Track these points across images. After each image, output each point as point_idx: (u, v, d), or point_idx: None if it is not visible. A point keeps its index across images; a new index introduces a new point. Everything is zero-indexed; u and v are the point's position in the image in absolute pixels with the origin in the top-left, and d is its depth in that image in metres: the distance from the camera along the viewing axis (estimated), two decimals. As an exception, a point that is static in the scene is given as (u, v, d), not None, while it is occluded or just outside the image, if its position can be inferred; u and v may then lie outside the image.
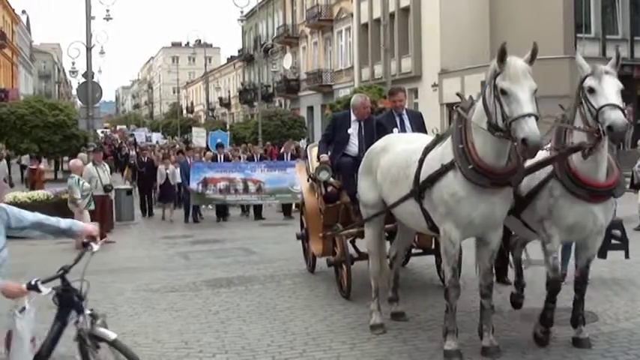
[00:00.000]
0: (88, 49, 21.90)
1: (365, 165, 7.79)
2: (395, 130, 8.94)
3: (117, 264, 13.14)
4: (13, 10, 63.69)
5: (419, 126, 9.33)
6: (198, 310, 8.82)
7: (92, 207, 14.79)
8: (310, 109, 53.04)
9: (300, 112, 51.28)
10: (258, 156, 21.72)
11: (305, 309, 8.67)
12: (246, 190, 19.02)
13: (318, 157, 9.45)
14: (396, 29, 38.04)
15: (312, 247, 10.47)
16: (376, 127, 9.14)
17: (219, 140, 25.51)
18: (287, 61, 51.96)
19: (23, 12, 73.16)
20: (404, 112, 9.44)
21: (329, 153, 9.52)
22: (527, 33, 30.96)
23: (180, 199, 20.63)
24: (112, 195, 17.20)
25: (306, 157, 11.21)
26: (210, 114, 75.33)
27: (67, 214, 15.19)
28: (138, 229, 18.26)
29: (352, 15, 44.87)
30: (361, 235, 8.68)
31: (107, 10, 35.29)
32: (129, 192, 19.79)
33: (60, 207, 15.77)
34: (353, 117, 9.44)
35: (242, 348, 7.10)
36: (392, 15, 38.19)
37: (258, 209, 20.04)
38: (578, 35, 31.01)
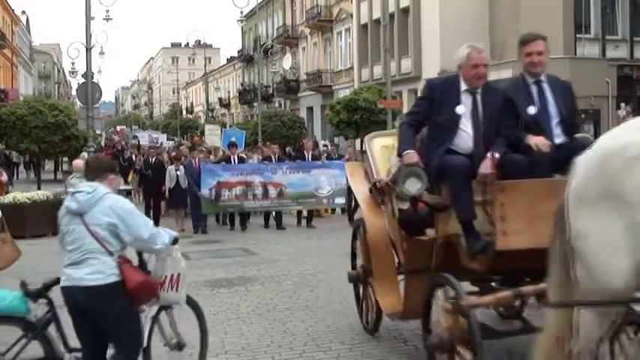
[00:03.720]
0: (88, 49, 21.93)
1: (599, 188, 3.80)
2: (530, 108, 5.55)
3: (117, 264, 13.14)
4: (13, 10, 63.66)
5: (567, 104, 5.70)
6: (198, 311, 8.82)
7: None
8: (310, 109, 53.04)
9: (300, 113, 51.28)
10: (276, 156, 18.71)
11: (305, 309, 8.67)
12: (265, 195, 16.82)
13: (400, 154, 5.73)
14: (396, 30, 38.04)
15: (379, 299, 6.83)
16: (503, 108, 5.65)
17: (232, 139, 22.83)
18: (287, 62, 51.97)
19: (23, 12, 73.15)
20: (544, 77, 5.69)
21: (415, 145, 5.88)
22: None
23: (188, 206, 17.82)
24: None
25: (364, 152, 7.75)
26: (210, 114, 75.31)
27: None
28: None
29: (352, 15, 44.86)
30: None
31: (107, 11, 35.52)
32: (128, 192, 19.67)
33: (60, 208, 15.77)
34: (463, 85, 5.67)
35: (242, 348, 7.10)
36: (391, 15, 38.18)
37: (277, 217, 17.55)
38: (578, 36, 31.03)
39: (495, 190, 5.11)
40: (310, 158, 18.68)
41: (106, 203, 4.81)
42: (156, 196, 18.29)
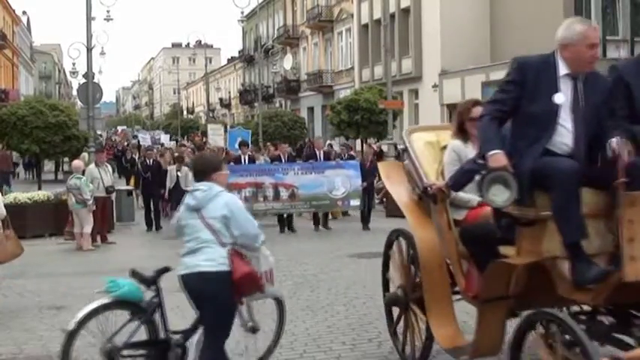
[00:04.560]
0: (89, 49, 21.90)
1: None
2: None
3: (118, 265, 13.10)
4: (14, 10, 63.68)
5: None
6: (199, 311, 8.79)
7: (93, 208, 14.72)
8: (311, 109, 53.05)
9: (301, 113, 51.29)
10: (286, 156, 17.84)
11: (306, 310, 8.66)
12: (277, 196, 15.95)
13: (483, 156, 4.49)
14: (397, 30, 38.05)
15: (434, 330, 5.68)
16: (611, 92, 4.50)
17: (239, 139, 22.31)
18: (287, 62, 51.98)
19: (24, 13, 73.23)
20: None
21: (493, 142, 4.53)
22: (528, 34, 31.13)
23: None
24: (113, 196, 17.02)
25: (405, 150, 6.34)
26: (211, 115, 75.39)
27: (68, 215, 15.22)
28: (138, 230, 18.16)
29: (352, 16, 44.88)
30: None
31: (107, 11, 35.66)
32: (129, 193, 19.61)
33: (61, 208, 15.78)
34: (563, 68, 4.48)
35: (244, 348, 7.09)
36: (392, 16, 38.18)
37: (287, 219, 16.75)
38: (579, 36, 31.00)
39: (624, 204, 3.98)
40: (322, 157, 17.84)
41: (221, 200, 5.41)
42: (155, 198, 17.80)
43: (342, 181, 16.20)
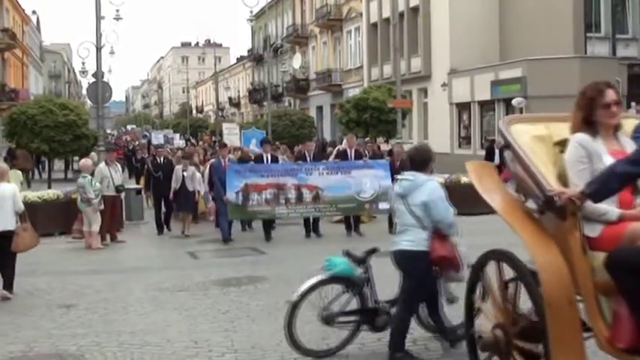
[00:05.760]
0: (98, 49, 21.94)
1: None
2: None
3: (126, 263, 13.20)
4: (24, 10, 63.86)
5: None
6: (208, 310, 8.83)
7: (101, 207, 14.72)
8: (319, 108, 53.04)
9: (310, 112, 51.28)
10: (311, 155, 16.19)
11: (313, 309, 8.64)
12: (300, 199, 14.69)
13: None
14: (406, 29, 38.01)
15: None
16: None
17: (254, 140, 21.56)
18: (296, 61, 51.99)
19: (33, 12, 73.46)
20: None
21: None
22: (537, 32, 31.04)
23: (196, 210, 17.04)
24: (122, 195, 17.01)
25: (507, 145, 4.88)
26: (220, 114, 75.45)
27: (77, 213, 15.27)
28: (147, 229, 18.16)
29: (361, 14, 44.86)
30: None
31: (117, 10, 35.64)
32: (138, 192, 19.62)
33: (70, 207, 15.83)
34: None
35: (251, 347, 7.10)
36: (401, 14, 38.14)
37: (314, 222, 15.48)
38: (588, 35, 30.90)
39: None
40: (353, 157, 16.00)
41: (425, 189, 6.18)
42: (166, 198, 16.86)
43: (370, 182, 14.90)
